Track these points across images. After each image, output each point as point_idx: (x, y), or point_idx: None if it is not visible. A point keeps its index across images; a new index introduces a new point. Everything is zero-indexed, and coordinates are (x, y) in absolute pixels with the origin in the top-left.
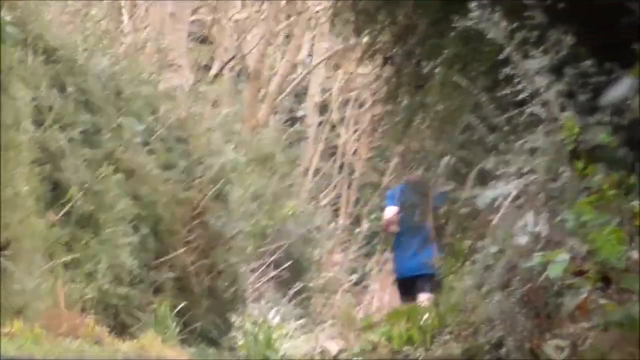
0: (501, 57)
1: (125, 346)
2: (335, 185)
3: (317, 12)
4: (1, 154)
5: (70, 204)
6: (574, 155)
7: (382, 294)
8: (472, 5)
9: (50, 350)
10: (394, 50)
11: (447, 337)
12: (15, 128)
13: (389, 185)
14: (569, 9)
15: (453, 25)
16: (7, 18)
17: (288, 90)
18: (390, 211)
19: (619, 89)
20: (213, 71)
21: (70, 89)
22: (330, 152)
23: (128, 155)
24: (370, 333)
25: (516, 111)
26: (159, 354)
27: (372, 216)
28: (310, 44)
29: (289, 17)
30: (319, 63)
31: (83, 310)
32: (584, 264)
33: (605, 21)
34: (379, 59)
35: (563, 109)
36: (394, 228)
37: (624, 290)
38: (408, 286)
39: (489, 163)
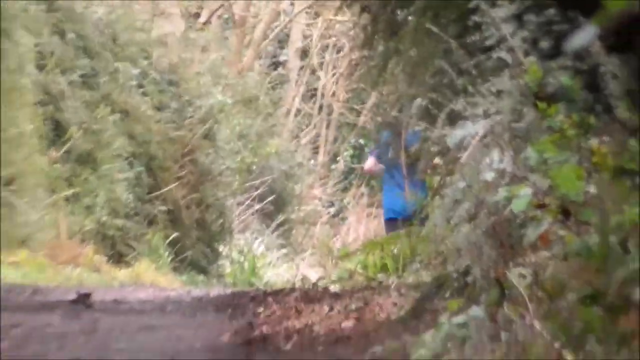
0: (470, 6)
1: (122, 274)
2: (315, 125)
3: None
4: (6, 96)
5: (70, 143)
6: (537, 97)
7: (358, 226)
8: None
9: (53, 278)
10: None
11: (418, 265)
12: (19, 72)
13: (367, 127)
14: None
15: None
16: None
17: (271, 36)
18: (370, 161)
19: (581, 36)
20: (202, 19)
21: (70, 36)
22: (310, 94)
23: (123, 97)
24: (347, 262)
25: (483, 56)
26: (153, 281)
27: (348, 153)
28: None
29: None
30: (300, 11)
31: (83, 240)
32: (545, 198)
33: None
34: (356, 8)
35: (527, 54)
36: (377, 171)
37: (582, 223)
38: (394, 226)
39: (458, 105)
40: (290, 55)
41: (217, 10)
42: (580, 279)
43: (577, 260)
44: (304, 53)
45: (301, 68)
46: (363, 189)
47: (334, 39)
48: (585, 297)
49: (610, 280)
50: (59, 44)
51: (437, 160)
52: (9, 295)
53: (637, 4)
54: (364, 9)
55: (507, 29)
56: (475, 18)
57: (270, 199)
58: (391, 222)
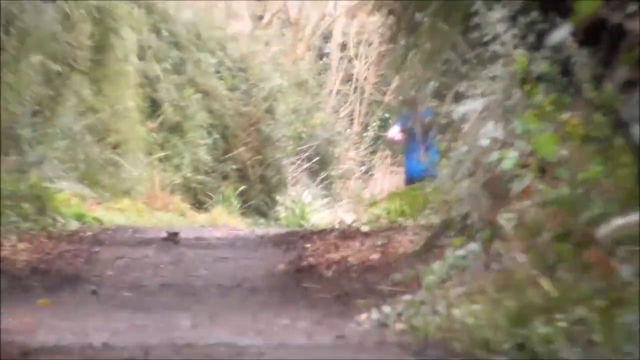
0: (472, 9)
1: (201, 217)
2: (350, 102)
3: None
4: (115, 79)
5: (163, 116)
6: (523, 81)
7: (383, 181)
8: None
9: (148, 220)
10: (395, 4)
11: (429, 211)
12: (125, 61)
13: (391, 105)
14: None
15: None
16: None
17: (318, 33)
18: (393, 131)
19: (558, 33)
20: (265, 20)
21: (164, 33)
22: (348, 78)
23: (204, 80)
24: (374, 208)
25: (482, 49)
26: (225, 223)
27: (376, 124)
28: (331, 10)
29: None
30: (340, 14)
31: (172, 191)
32: (528, 159)
33: None
34: (384, 11)
35: (516, 47)
36: (399, 140)
37: (556, 178)
38: (411, 183)
39: (462, 87)
40: (332, 48)
41: (276, 12)
42: (554, 221)
43: (552, 207)
44: (343, 46)
45: (341, 58)
46: (387, 152)
47: (366, 35)
48: (557, 236)
49: (577, 223)
50: (155, 39)
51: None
52: (115, 234)
53: (602, 9)
54: (390, 12)
55: (500, 27)
56: (476, 19)
57: (315, 159)
58: (410, 181)
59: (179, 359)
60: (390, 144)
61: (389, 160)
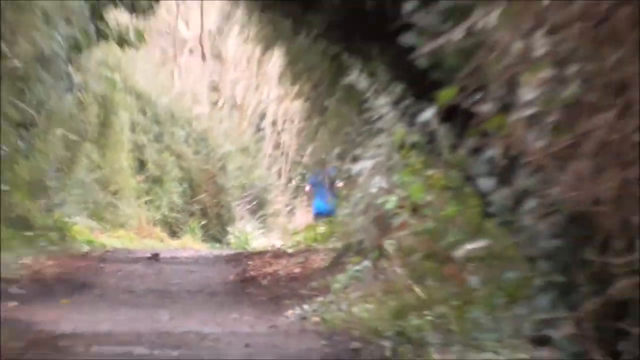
0: (365, 97)
1: (175, 243)
2: (279, 162)
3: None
4: (114, 147)
5: (148, 172)
6: (401, 147)
7: (301, 217)
8: (352, 70)
9: (138, 245)
10: (311, 93)
11: (334, 239)
12: (121, 133)
13: (308, 166)
14: (402, 73)
15: (342, 80)
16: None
17: (256, 113)
18: (308, 187)
19: (426, 114)
20: (219, 104)
21: (148, 113)
22: (277, 146)
23: (177, 147)
24: (296, 236)
25: (371, 125)
26: (192, 246)
27: (297, 178)
28: (269, 90)
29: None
30: (272, 100)
31: (154, 225)
32: (404, 202)
33: (419, 78)
34: (302, 98)
35: (395, 123)
36: (311, 192)
37: (424, 216)
38: (319, 218)
39: (357, 151)
40: (266, 124)
41: (227, 99)
42: (423, 246)
43: (421, 236)
44: (274, 123)
45: (272, 131)
46: (304, 197)
47: (290, 115)
48: (425, 256)
49: (439, 247)
50: (142, 118)
51: (341, 183)
52: (114, 254)
53: (456, 97)
54: (306, 99)
55: (384, 110)
56: (368, 104)
57: (254, 202)
58: (318, 216)
59: (160, 342)
60: (306, 193)
61: (305, 203)
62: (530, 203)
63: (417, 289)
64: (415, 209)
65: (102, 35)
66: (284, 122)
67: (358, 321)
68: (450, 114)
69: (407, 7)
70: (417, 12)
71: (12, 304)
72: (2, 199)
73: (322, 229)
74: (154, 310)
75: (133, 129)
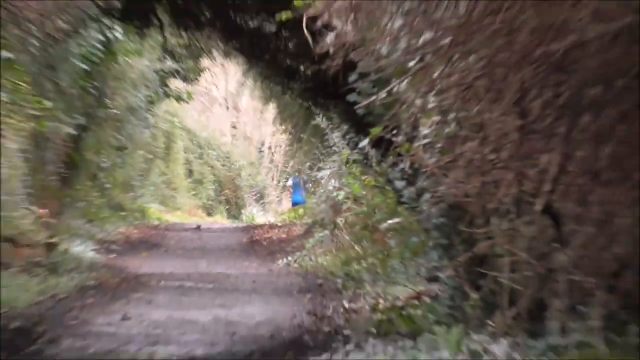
0: (325, 132)
1: (210, 219)
2: (272, 171)
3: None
4: (174, 161)
5: (193, 177)
6: (346, 162)
7: (286, 205)
8: (317, 116)
9: (188, 220)
10: (292, 129)
11: (306, 217)
12: (178, 153)
13: (290, 173)
14: (348, 118)
15: (311, 122)
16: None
17: (259, 141)
18: (289, 184)
19: (363, 142)
20: (236, 136)
21: (194, 141)
22: (271, 160)
23: (211, 161)
24: (283, 216)
25: (329, 149)
26: (220, 221)
27: (283, 180)
28: (266, 128)
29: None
30: (268, 134)
31: (198, 208)
32: (348, 195)
33: (359, 121)
34: (287, 133)
35: (344, 148)
36: (291, 189)
37: (361, 203)
38: (295, 206)
39: (321, 164)
40: (265, 148)
41: (241, 133)
42: (360, 221)
43: (359, 216)
44: (270, 147)
45: (268, 152)
46: (286, 191)
47: (280, 142)
48: (362, 227)
49: (371, 222)
50: (190, 144)
51: (309, 184)
52: (174, 226)
53: (382, 132)
54: (289, 134)
55: (337, 139)
56: (327, 136)
57: (257, 195)
58: (295, 204)
59: (201, 279)
60: (286, 188)
61: (288, 196)
62: (426, 196)
63: (356, 248)
64: (355, 199)
65: (166, 94)
66: (276, 147)
67: (321, 267)
68: (377, 142)
69: (351, 78)
70: (357, 81)
71: (113, 255)
72: (107, 193)
73: (299, 212)
74: (197, 260)
75: (185, 151)
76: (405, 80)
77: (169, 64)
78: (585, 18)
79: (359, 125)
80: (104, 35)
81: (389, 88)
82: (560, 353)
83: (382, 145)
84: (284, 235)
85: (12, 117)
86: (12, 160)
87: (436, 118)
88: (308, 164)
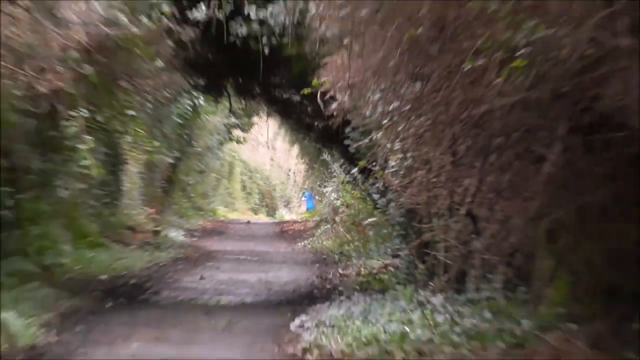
0: (330, 164)
1: (255, 217)
2: (294, 187)
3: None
4: (234, 180)
5: (247, 190)
6: (342, 182)
7: (303, 209)
8: (324, 153)
9: (242, 217)
10: (308, 162)
11: (316, 217)
12: (238, 175)
13: (306, 189)
14: (344, 154)
15: (320, 157)
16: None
17: (286, 167)
18: (304, 198)
19: (354, 170)
20: (271, 164)
21: (245, 167)
22: (294, 180)
23: (257, 181)
24: (301, 216)
25: (331, 174)
26: (262, 219)
27: (300, 194)
28: (292, 160)
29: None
30: (293, 164)
31: (249, 210)
32: (343, 203)
33: (351, 156)
34: (305, 164)
35: (340, 174)
36: (305, 201)
37: (351, 208)
38: (309, 212)
39: (326, 184)
40: (291, 173)
41: (275, 162)
42: (350, 220)
43: (349, 216)
44: (294, 172)
45: (293, 175)
46: (304, 201)
47: (300, 168)
48: (351, 223)
49: (358, 219)
50: (244, 169)
51: (318, 196)
52: (233, 221)
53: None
54: (306, 164)
55: (336, 168)
56: (330, 166)
57: (285, 202)
58: (308, 210)
59: (250, 254)
60: (304, 199)
61: (304, 203)
62: (392, 204)
63: (347, 236)
64: (347, 206)
65: (230, 139)
66: (297, 172)
67: (325, 247)
68: (362, 170)
69: (347, 130)
70: (350, 132)
71: (194, 239)
72: (192, 199)
73: (311, 213)
74: (247, 242)
75: (241, 174)
76: (380, 132)
77: (232, 119)
78: (493, 95)
79: (351, 159)
80: (192, 101)
81: (370, 137)
82: (475, 304)
83: (365, 172)
84: (302, 228)
85: (134, 151)
86: (133, 179)
87: (399, 156)
88: (318, 183)
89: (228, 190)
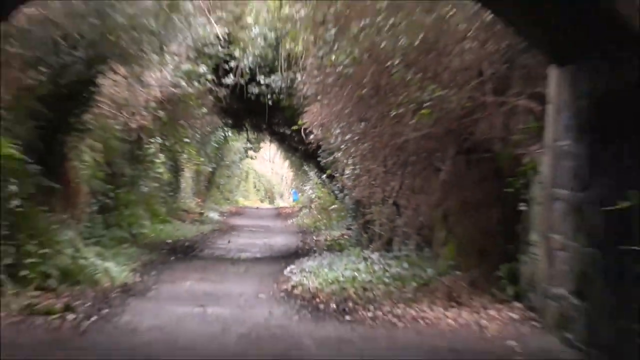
0: (308, 171)
1: (263, 204)
2: (286, 185)
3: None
4: (248, 183)
5: (257, 189)
6: (317, 184)
7: (291, 200)
8: (306, 164)
9: (254, 204)
10: (295, 171)
11: (300, 204)
12: (250, 180)
13: (293, 187)
14: (317, 166)
15: (303, 167)
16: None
17: (282, 175)
18: (292, 193)
19: (323, 176)
20: (273, 173)
21: (257, 174)
22: (286, 182)
23: (264, 183)
24: (290, 204)
25: (309, 178)
26: (266, 205)
27: (290, 190)
28: (285, 169)
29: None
30: (286, 172)
31: (258, 200)
32: (317, 196)
33: (322, 168)
34: (293, 171)
35: (314, 178)
36: (292, 195)
37: (322, 199)
38: (294, 201)
39: (306, 184)
40: (284, 177)
41: (275, 171)
42: (321, 207)
43: (321, 203)
44: (286, 177)
45: (285, 179)
46: (291, 194)
47: (288, 174)
48: (322, 209)
49: (326, 207)
50: (255, 174)
51: (300, 192)
52: (248, 207)
53: None
54: (293, 172)
55: (312, 175)
56: (309, 174)
57: (280, 195)
58: (294, 201)
59: (261, 228)
60: (292, 193)
61: (292, 196)
62: (347, 197)
63: (319, 217)
64: (319, 198)
65: (247, 156)
66: (288, 177)
67: (305, 224)
68: (329, 176)
69: (320, 152)
70: (322, 153)
71: (224, 218)
72: (223, 193)
73: (297, 203)
74: (257, 219)
75: (253, 178)
76: (340, 153)
77: (248, 144)
78: (409, 130)
79: (322, 169)
80: (224, 133)
81: (333, 155)
82: (398, 258)
83: (330, 177)
84: (290, 211)
85: (188, 164)
86: (187, 181)
87: (351, 167)
88: (300, 183)
89: (245, 188)
